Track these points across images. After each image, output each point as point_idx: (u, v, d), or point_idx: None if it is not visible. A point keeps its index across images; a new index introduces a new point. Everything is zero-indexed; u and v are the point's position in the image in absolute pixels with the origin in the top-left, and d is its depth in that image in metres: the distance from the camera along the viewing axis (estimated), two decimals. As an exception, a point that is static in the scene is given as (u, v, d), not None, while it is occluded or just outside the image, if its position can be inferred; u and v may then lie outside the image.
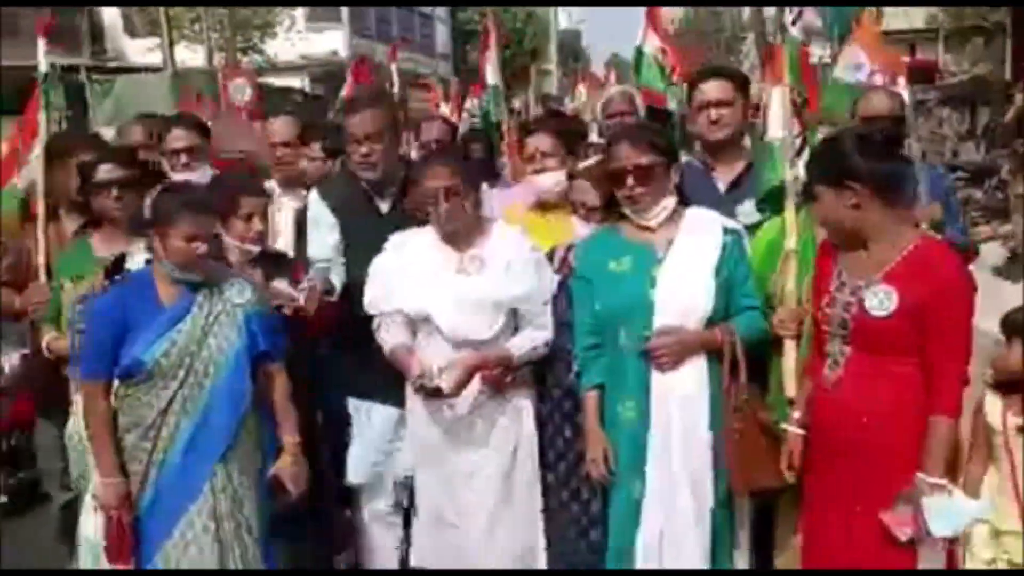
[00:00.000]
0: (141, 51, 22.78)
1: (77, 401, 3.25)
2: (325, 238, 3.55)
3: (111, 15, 25.76)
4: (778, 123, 3.27)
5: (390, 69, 8.57)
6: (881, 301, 2.66)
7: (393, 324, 3.28)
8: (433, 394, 3.10)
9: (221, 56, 21.43)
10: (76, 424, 3.29)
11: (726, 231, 3.06)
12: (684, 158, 4.54)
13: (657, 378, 2.98)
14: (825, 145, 2.90)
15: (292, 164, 4.46)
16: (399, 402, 3.40)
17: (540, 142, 3.77)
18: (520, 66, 29.11)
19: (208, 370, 2.95)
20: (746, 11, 21.46)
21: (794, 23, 3.42)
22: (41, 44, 5.12)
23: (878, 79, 4.99)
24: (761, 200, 3.37)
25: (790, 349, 3.08)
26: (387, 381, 3.34)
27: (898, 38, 15.74)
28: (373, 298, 3.31)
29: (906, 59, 9.03)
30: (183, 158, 4.12)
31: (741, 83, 3.63)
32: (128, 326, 2.93)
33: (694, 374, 2.98)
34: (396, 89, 9.04)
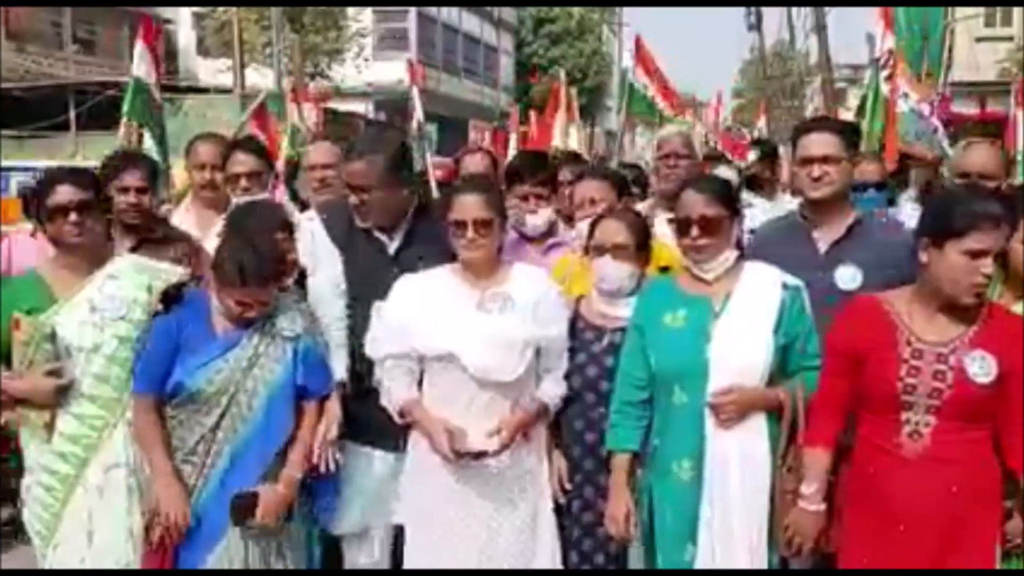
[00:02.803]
0: (212, 72, 23.35)
1: (30, 453, 3.07)
2: (328, 272, 3.32)
3: (186, 36, 26.50)
4: None
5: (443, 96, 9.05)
6: (981, 367, 2.55)
7: (398, 372, 3.11)
8: (464, 455, 2.98)
9: (289, 80, 21.83)
10: (38, 475, 3.05)
11: (785, 286, 2.95)
12: (788, 205, 4.30)
13: (715, 437, 2.86)
14: None
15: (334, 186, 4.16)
16: (398, 447, 3.22)
17: (588, 189, 3.61)
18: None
19: (251, 401, 2.97)
20: (813, 56, 21.26)
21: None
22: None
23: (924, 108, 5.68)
24: None
25: None
26: (387, 425, 3.16)
27: (968, 90, 15.43)
28: (378, 340, 3.14)
29: (975, 111, 8.95)
30: (243, 182, 4.03)
31: (849, 137, 3.29)
32: (180, 346, 2.96)
33: (755, 434, 2.87)
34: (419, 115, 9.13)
